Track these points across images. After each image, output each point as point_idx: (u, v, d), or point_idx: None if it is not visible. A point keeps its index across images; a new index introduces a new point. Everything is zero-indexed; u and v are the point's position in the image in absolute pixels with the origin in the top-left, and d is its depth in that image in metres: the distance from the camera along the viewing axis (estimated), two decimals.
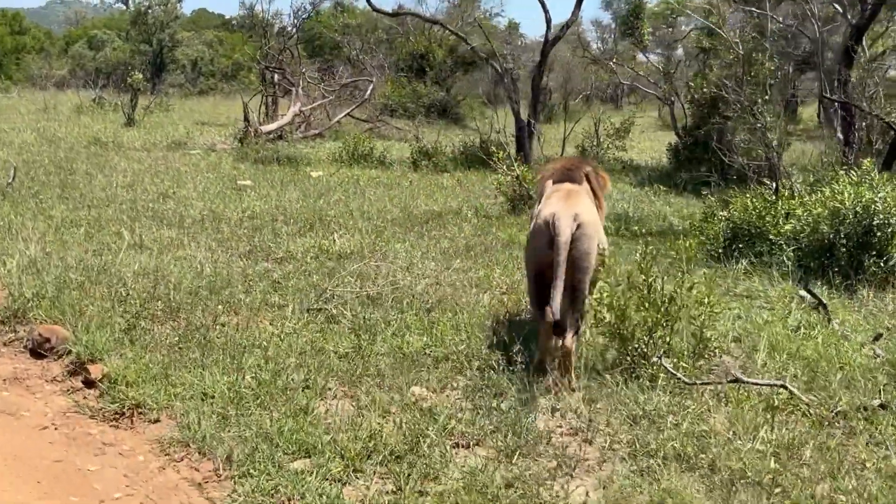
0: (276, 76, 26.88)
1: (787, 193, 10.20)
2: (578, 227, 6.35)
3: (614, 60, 23.17)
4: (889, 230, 8.95)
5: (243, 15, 30.48)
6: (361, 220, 12.63)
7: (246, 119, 21.64)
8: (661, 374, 6.20)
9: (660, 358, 6.19)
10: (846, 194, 8.93)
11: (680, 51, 26.34)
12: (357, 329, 7.38)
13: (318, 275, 9.15)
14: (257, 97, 26.39)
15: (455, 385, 6.32)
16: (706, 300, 6.63)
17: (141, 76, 29.18)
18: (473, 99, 33.70)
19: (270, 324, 7.48)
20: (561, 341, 6.25)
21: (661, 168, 19.79)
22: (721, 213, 10.39)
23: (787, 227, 9.43)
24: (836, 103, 11.17)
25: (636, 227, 12.72)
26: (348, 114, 25.79)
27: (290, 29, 28.71)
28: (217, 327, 7.24)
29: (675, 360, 6.37)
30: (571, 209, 6.46)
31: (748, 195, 10.42)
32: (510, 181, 13.43)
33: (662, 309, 6.44)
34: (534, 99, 20.04)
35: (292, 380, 6.11)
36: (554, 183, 7.22)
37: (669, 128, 28.06)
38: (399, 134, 26.27)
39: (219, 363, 6.31)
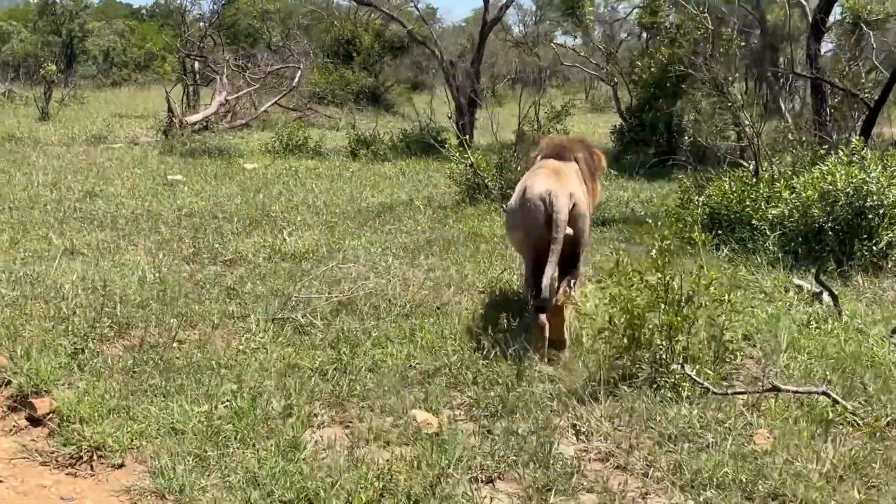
0: (196, 64, 25.74)
1: (766, 176, 9.65)
2: (574, 205, 6.45)
3: (553, 43, 22.55)
4: (881, 212, 8.45)
5: (157, 2, 29.19)
6: (309, 214, 11.82)
7: (170, 110, 20.54)
8: (685, 383, 5.55)
9: (681, 365, 5.53)
10: (837, 175, 8.40)
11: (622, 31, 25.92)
12: (332, 341, 6.61)
13: (275, 278, 8.37)
14: (178, 87, 25.25)
15: (454, 403, 5.60)
16: (726, 297, 5.98)
17: (54, 67, 27.73)
18: (402, 85, 32.89)
19: (234, 339, 6.66)
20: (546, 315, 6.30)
21: (605, 152, 19.16)
22: (697, 197, 9.81)
23: (775, 211, 8.87)
24: (808, 80, 10.67)
25: (596, 214, 12.18)
26: (276, 102, 24.79)
27: (209, 15, 27.59)
28: (175, 346, 6.40)
29: (695, 365, 5.72)
30: (566, 187, 6.52)
31: (726, 178, 9.87)
32: (464, 170, 12.69)
33: (681, 310, 5.77)
34: (473, 83, 19.30)
35: (272, 407, 5.31)
36: (542, 158, 7.33)
37: (600, 110, 27.66)
38: (330, 122, 25.40)
39: (184, 390, 5.49)
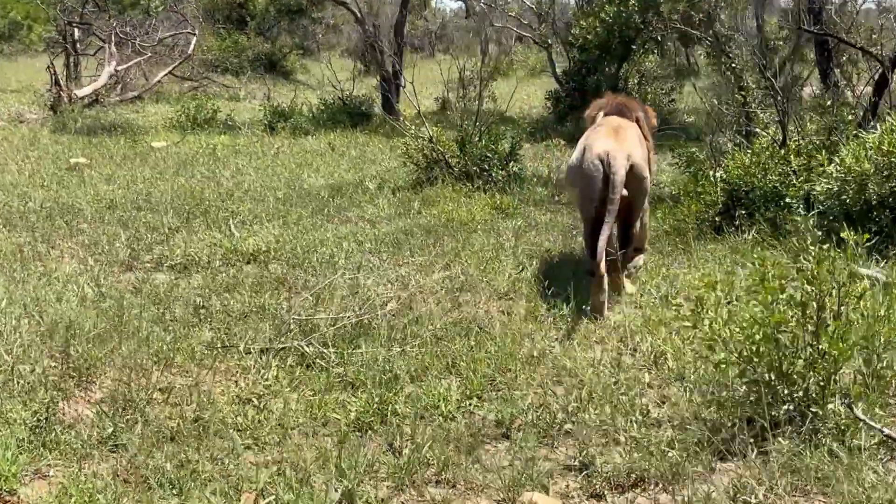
0: (77, 32, 23.37)
1: (793, 146, 8.51)
2: (632, 166, 6.50)
3: (482, 3, 21.05)
4: None
5: None
6: (250, 202, 10.21)
7: (56, 83, 18.39)
8: (851, 429, 4.30)
9: (849, 406, 4.28)
10: None
11: None
12: (356, 379, 5.16)
13: (245, 289, 6.83)
14: (57, 59, 22.87)
15: (556, 470, 4.24)
16: (887, 313, 4.76)
17: None
18: (296, 52, 30.97)
19: (230, 382, 5.15)
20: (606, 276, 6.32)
21: (542, 119, 17.91)
22: (713, 172, 8.61)
23: (820, 187, 7.72)
24: (813, 37, 9.60)
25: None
26: (170, 72, 22.71)
27: None
28: (158, 397, 4.86)
29: (857, 403, 4.47)
30: (624, 148, 6.55)
31: (748, 149, 8.70)
32: (421, 145, 11.24)
33: (835, 333, 4.50)
34: (398, 48, 17.74)
35: (330, 498, 3.85)
36: (604, 115, 7.32)
37: (535, 76, 26.39)
38: (229, 92, 23.46)
39: (199, 475, 3.98)
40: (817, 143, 8.41)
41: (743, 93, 9.31)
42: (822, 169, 7.89)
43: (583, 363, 5.38)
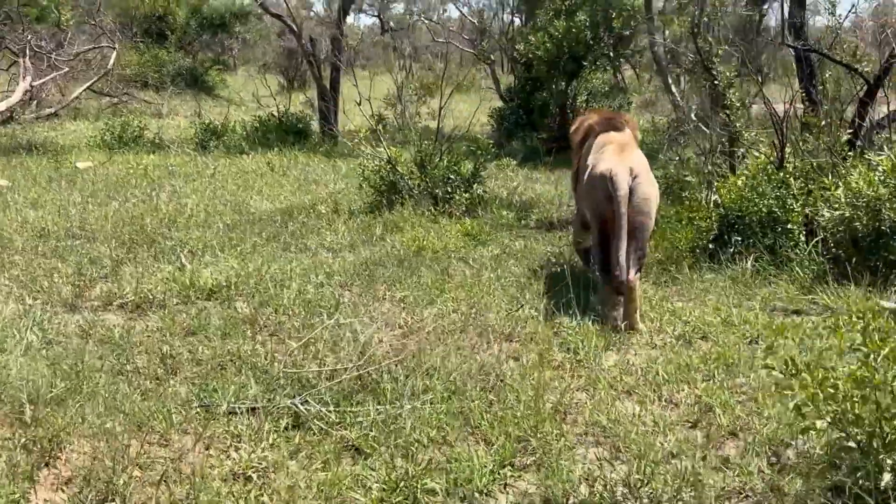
0: None
1: (791, 167, 8.02)
2: (635, 178, 6.56)
3: (423, 19, 20.33)
4: None
5: None
6: (196, 229, 9.37)
7: None
8: None
9: None
10: None
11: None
12: (363, 444, 4.44)
13: (212, 333, 6.07)
14: None
15: None
16: None
17: None
18: (217, 66, 29.97)
19: (221, 453, 4.38)
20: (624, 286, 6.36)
21: (486, 138, 17.24)
22: (709, 195, 8.09)
23: (828, 213, 7.22)
24: (795, 52, 9.16)
25: (537, 216, 10.37)
26: (88, 88, 21.57)
27: None
28: (140, 477, 4.06)
29: None
30: (626, 162, 6.66)
31: (741, 172, 8.19)
32: (379, 166, 10.52)
33: None
34: (337, 62, 16.96)
35: None
36: (599, 133, 7.34)
37: (467, 91, 25.86)
38: (152, 108, 22.44)
39: None
40: (814, 164, 7.93)
41: (727, 111, 8.80)
42: (828, 193, 7.40)
43: (620, 419, 4.74)
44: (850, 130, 8.28)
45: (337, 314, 6.38)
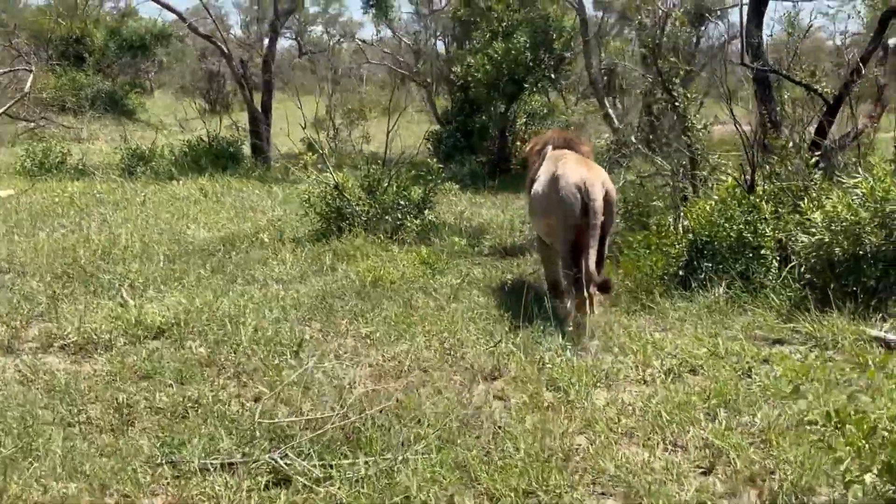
0: None
1: (761, 191, 7.81)
2: (606, 191, 6.84)
3: (357, 40, 19.90)
4: None
5: None
6: (132, 261, 8.82)
7: None
8: None
9: None
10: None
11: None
12: (355, 502, 4.02)
13: (168, 377, 5.59)
14: None
15: None
16: None
17: None
18: (135, 89, 29.11)
19: None
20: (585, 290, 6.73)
21: (423, 162, 16.85)
22: (678, 220, 7.84)
23: (806, 238, 7.00)
24: (753, 72, 8.99)
25: (490, 242, 10.04)
26: (5, 112, 20.61)
27: None
28: None
29: None
30: (598, 175, 6.95)
31: (712, 195, 7.97)
32: (325, 192, 10.08)
33: None
34: (266, 84, 16.44)
35: None
36: (554, 148, 7.65)
37: (403, 113, 25.50)
38: (71, 133, 21.59)
39: None
40: (785, 187, 7.73)
41: (689, 134, 8.59)
42: (804, 218, 7.19)
43: (627, 466, 4.39)
44: (819, 153, 8.11)
45: (302, 353, 5.96)
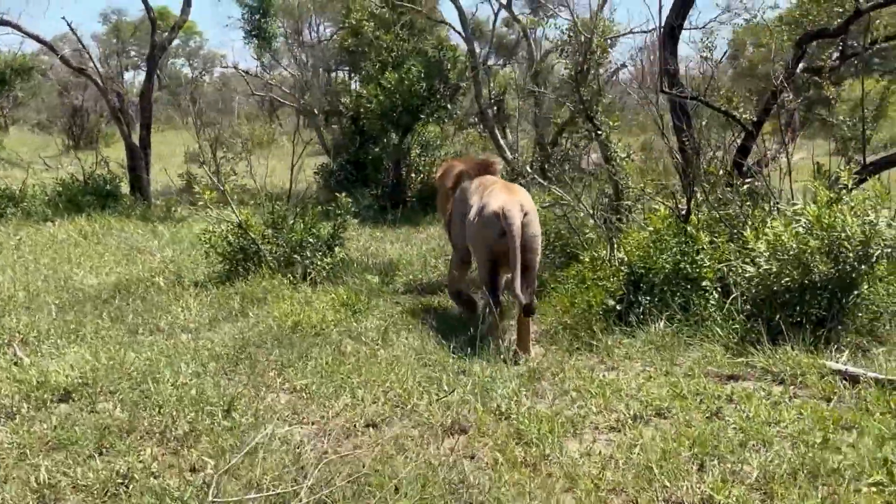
0: None
1: (696, 220, 7.57)
2: (525, 214, 6.97)
3: (239, 70, 19.05)
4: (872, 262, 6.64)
5: None
6: (20, 312, 8.03)
7: None
8: None
9: None
10: (848, 219, 6.46)
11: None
12: None
13: (87, 446, 4.93)
14: None
15: None
16: None
17: None
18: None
19: None
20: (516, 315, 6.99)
21: (312, 196, 16.26)
22: (613, 253, 7.52)
23: (752, 268, 6.76)
24: (670, 99, 8.80)
25: (403, 279, 9.60)
26: None
27: None
28: None
29: None
30: (517, 199, 7.08)
31: (644, 224, 7.69)
32: (226, 231, 9.43)
33: None
34: (144, 119, 15.56)
35: None
36: (474, 176, 7.84)
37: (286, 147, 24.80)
38: None
39: None
40: (721, 216, 7.51)
41: (612, 163, 8.32)
42: (744, 247, 6.97)
43: None
44: (749, 179, 7.94)
45: (235, 413, 5.37)
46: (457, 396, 5.64)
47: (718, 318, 6.99)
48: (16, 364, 6.43)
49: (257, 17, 16.47)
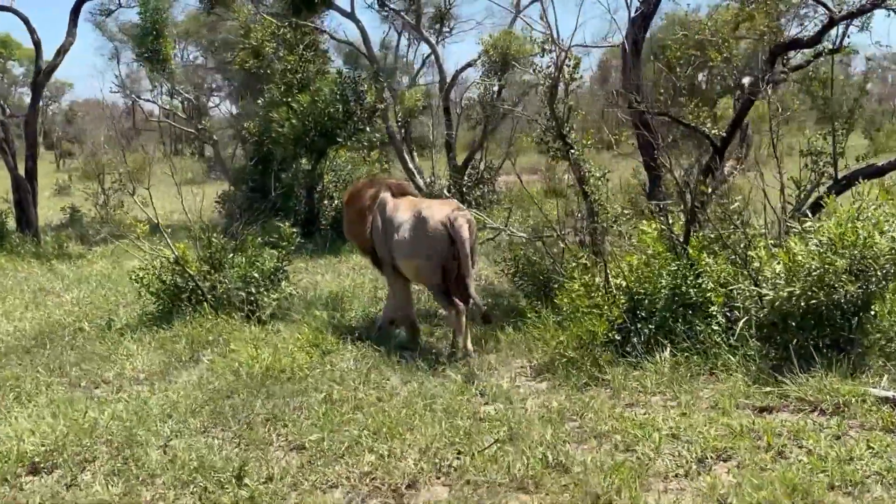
0: None
1: (696, 241, 7.17)
2: (469, 224, 7.35)
3: (133, 96, 17.83)
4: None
5: None
6: None
7: None
8: None
9: None
10: (876, 236, 6.14)
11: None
12: None
13: None
14: None
15: None
16: None
17: None
18: None
19: None
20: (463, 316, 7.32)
21: (215, 225, 15.30)
22: (610, 279, 7.05)
23: (772, 291, 6.34)
24: (636, 116, 8.45)
25: (352, 312, 8.97)
26: None
27: None
28: None
29: None
30: (460, 211, 7.44)
31: (635, 247, 7.28)
32: (159, 269, 8.60)
33: None
34: (29, 148, 14.35)
35: None
36: (398, 196, 8.04)
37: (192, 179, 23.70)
38: None
39: None
40: (719, 236, 7.15)
41: (585, 185, 7.90)
42: (753, 269, 6.61)
43: None
44: (739, 197, 7.63)
45: (248, 479, 4.66)
46: (495, 448, 5.06)
47: (726, 346, 6.60)
48: None
49: (150, 38, 15.45)
